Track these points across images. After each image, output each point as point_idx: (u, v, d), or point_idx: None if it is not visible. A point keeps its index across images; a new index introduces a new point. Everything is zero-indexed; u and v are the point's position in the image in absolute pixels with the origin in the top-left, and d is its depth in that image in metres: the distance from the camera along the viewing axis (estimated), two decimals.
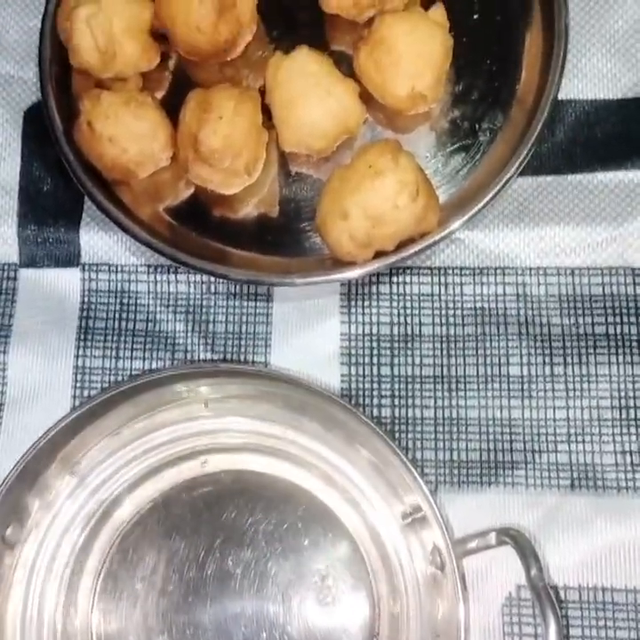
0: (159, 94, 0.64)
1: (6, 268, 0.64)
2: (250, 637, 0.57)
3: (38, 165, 0.66)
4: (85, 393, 0.62)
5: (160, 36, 0.62)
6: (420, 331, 0.62)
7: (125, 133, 0.59)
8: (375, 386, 0.61)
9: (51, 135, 0.62)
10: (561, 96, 0.63)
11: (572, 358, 0.60)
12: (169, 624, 0.57)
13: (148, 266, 0.64)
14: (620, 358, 0.60)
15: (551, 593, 0.49)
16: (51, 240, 0.64)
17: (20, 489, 0.56)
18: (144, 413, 0.59)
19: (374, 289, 0.63)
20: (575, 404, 0.59)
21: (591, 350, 0.60)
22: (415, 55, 0.59)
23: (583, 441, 0.59)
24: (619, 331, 0.60)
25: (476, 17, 0.65)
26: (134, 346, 0.63)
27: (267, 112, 0.61)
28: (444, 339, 0.61)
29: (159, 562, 0.58)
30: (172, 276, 0.64)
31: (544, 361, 0.60)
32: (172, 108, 0.62)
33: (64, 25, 0.61)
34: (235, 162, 0.59)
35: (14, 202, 0.65)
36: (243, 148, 0.59)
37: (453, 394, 0.60)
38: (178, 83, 0.65)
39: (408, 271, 0.63)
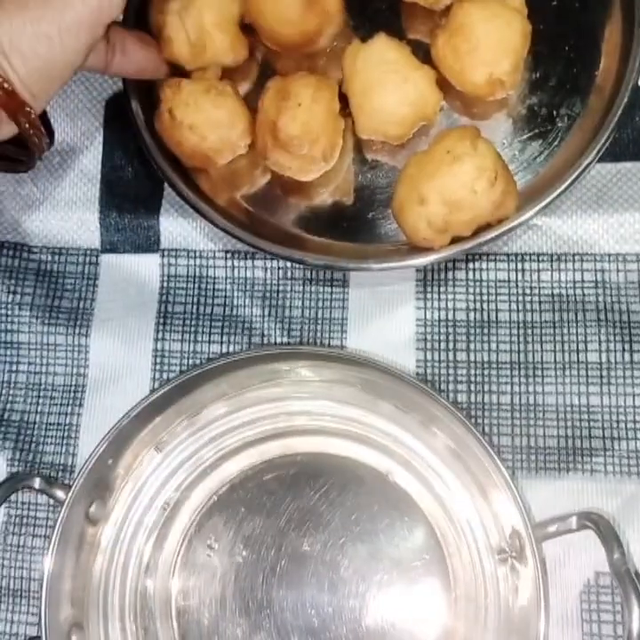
0: (245, 85, 0.65)
1: (89, 253, 0.66)
2: (326, 621, 0.57)
3: (119, 154, 0.67)
4: (164, 375, 0.63)
5: (247, 28, 0.63)
6: (496, 317, 0.61)
7: (205, 121, 0.60)
8: (451, 371, 0.61)
9: (131, 124, 0.64)
10: None
11: None
12: (246, 603, 0.58)
13: (226, 251, 0.65)
14: None
15: (634, 577, 0.49)
16: (131, 226, 0.66)
17: (103, 467, 0.58)
18: (224, 395, 0.60)
19: (450, 275, 0.63)
20: None
21: None
22: (494, 41, 0.59)
23: None
24: None
25: (554, 3, 0.64)
26: (212, 330, 0.64)
27: (343, 100, 0.62)
28: (521, 325, 0.61)
29: (236, 541, 0.59)
30: (249, 262, 0.64)
31: (623, 348, 0.60)
32: (254, 96, 0.63)
33: (157, 17, 0.62)
34: (312, 148, 0.60)
35: (96, 189, 0.66)
36: (320, 134, 0.60)
37: (530, 380, 0.60)
38: (262, 73, 0.66)
39: (484, 257, 0.62)
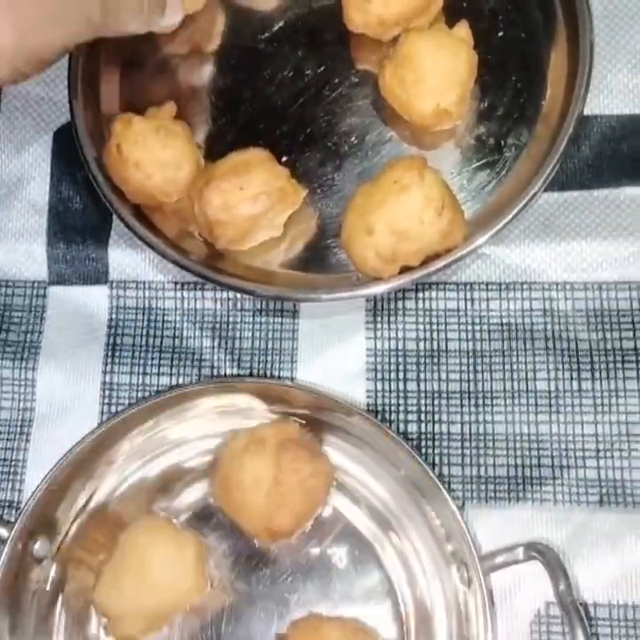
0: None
1: (36, 285, 0.65)
2: None
3: (67, 185, 0.67)
4: (113, 408, 0.62)
5: None
6: (446, 346, 0.62)
7: (151, 160, 0.60)
8: (401, 401, 0.61)
9: (79, 155, 0.63)
10: (586, 111, 0.63)
11: (600, 373, 0.60)
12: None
13: (175, 283, 0.64)
14: None
15: (580, 608, 0.49)
16: (80, 258, 0.65)
17: (47, 503, 0.56)
18: (173, 427, 0.59)
19: (400, 304, 0.63)
20: (603, 419, 0.59)
21: (619, 365, 0.59)
22: (440, 72, 0.59)
23: (612, 456, 0.58)
24: None
25: (500, 34, 0.65)
26: (161, 362, 0.63)
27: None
28: (471, 354, 0.61)
29: None
30: (199, 293, 0.64)
31: (571, 376, 0.60)
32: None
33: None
34: (218, 232, 0.60)
35: (44, 220, 0.66)
36: (230, 224, 0.59)
37: (480, 409, 0.60)
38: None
39: (434, 287, 0.63)
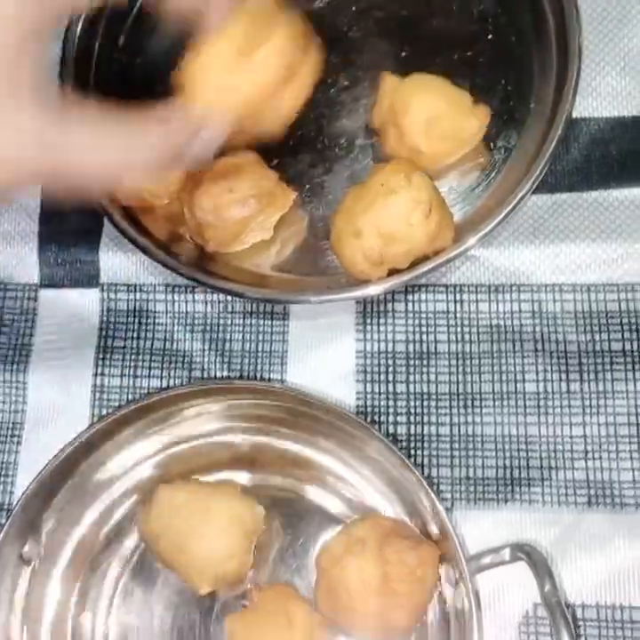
0: None
1: (27, 288, 0.65)
2: None
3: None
4: (103, 411, 0.62)
5: None
6: (435, 348, 0.62)
7: None
8: (391, 403, 0.61)
9: None
10: (575, 114, 0.63)
11: (589, 375, 0.60)
12: None
13: (166, 285, 0.65)
14: (637, 374, 0.59)
15: (565, 608, 0.49)
16: (71, 261, 0.65)
17: (36, 506, 0.57)
18: (159, 430, 0.60)
19: (389, 306, 0.63)
20: (592, 421, 0.59)
21: (607, 367, 0.60)
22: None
23: (600, 458, 0.58)
24: (635, 347, 0.60)
25: (489, 37, 0.65)
26: (152, 364, 0.63)
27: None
28: (460, 356, 0.61)
29: (172, 578, 0.58)
30: (190, 296, 0.64)
31: (560, 377, 0.60)
32: None
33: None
34: (207, 234, 0.60)
35: (35, 224, 0.66)
36: (220, 227, 0.60)
37: (469, 411, 0.60)
38: None
39: (423, 289, 0.63)
